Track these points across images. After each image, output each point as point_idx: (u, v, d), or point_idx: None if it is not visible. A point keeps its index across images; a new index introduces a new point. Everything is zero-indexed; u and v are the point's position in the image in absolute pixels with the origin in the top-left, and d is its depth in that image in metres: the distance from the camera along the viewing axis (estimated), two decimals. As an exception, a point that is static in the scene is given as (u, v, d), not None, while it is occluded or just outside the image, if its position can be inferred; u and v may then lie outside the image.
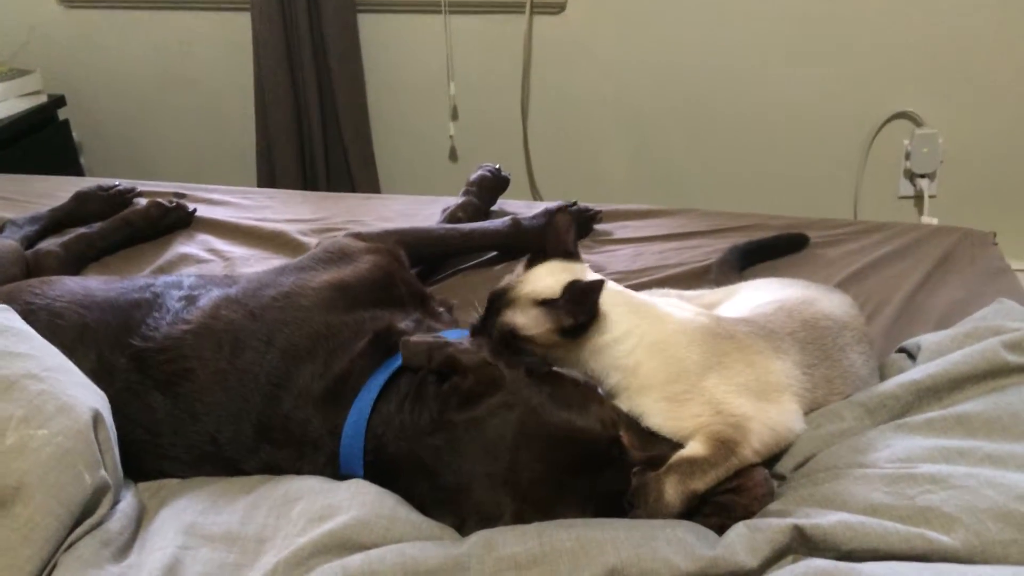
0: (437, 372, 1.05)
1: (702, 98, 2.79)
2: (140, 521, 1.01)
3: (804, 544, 0.88)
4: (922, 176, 2.73)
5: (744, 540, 0.87)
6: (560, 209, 1.72)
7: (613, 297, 1.08)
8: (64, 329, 1.19)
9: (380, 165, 3.02)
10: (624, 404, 1.05)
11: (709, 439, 1.00)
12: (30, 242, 1.76)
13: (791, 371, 1.08)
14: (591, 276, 1.12)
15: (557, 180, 2.97)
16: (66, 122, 3.06)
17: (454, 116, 2.96)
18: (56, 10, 3.09)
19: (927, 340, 1.21)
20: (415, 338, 1.07)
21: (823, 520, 0.89)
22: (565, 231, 1.16)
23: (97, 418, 0.98)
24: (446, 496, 0.99)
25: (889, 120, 2.71)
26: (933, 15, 2.54)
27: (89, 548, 0.90)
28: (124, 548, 0.95)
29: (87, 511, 0.92)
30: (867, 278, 1.57)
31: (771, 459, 1.08)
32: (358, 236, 1.44)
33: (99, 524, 0.93)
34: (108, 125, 3.22)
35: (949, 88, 2.62)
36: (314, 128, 2.92)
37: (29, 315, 1.19)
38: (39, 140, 2.93)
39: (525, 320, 1.06)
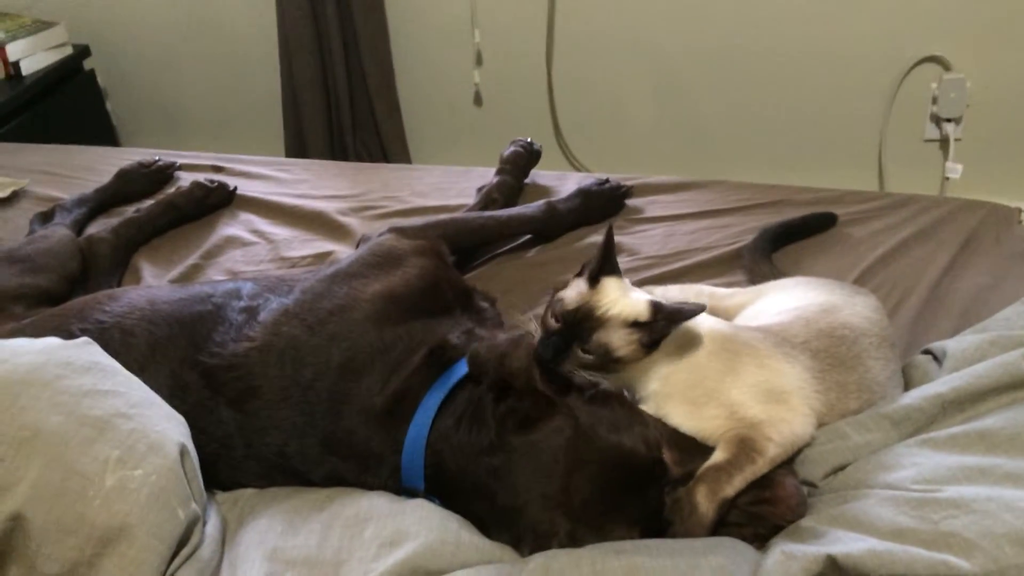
0: (494, 387, 1.12)
1: (729, 41, 2.77)
2: (224, 540, 1.10)
3: (835, 571, 0.96)
4: (948, 120, 2.73)
5: (780, 569, 0.96)
6: (591, 195, 1.77)
7: None
8: (136, 347, 1.26)
9: (405, 112, 3.03)
10: (652, 408, 1.15)
11: (729, 444, 1.09)
12: (80, 226, 1.83)
13: (802, 375, 1.17)
14: (640, 292, 1.20)
15: (582, 127, 2.98)
16: (92, 72, 3.08)
17: (479, 62, 2.95)
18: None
19: (952, 347, 1.27)
20: (482, 348, 1.15)
21: (854, 548, 0.96)
22: (613, 248, 1.22)
23: (184, 452, 1.06)
24: (504, 515, 1.07)
25: (918, 63, 2.69)
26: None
27: (187, 579, 0.99)
28: (215, 573, 1.04)
29: (182, 542, 1.01)
30: (893, 262, 1.61)
31: (802, 468, 1.16)
32: (402, 233, 1.48)
33: (192, 553, 1.02)
34: (133, 72, 3.23)
35: (979, 33, 2.60)
36: (339, 76, 2.93)
37: (103, 333, 1.26)
38: (67, 92, 2.96)
39: (619, 341, 1.13)
